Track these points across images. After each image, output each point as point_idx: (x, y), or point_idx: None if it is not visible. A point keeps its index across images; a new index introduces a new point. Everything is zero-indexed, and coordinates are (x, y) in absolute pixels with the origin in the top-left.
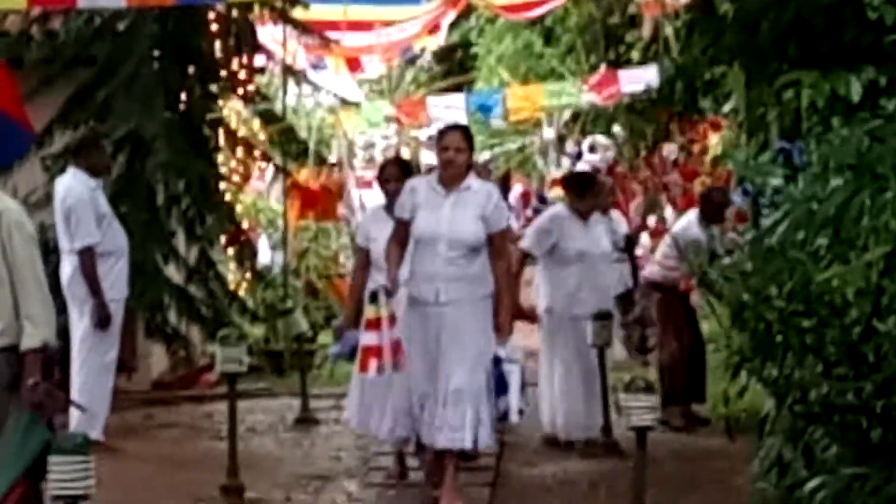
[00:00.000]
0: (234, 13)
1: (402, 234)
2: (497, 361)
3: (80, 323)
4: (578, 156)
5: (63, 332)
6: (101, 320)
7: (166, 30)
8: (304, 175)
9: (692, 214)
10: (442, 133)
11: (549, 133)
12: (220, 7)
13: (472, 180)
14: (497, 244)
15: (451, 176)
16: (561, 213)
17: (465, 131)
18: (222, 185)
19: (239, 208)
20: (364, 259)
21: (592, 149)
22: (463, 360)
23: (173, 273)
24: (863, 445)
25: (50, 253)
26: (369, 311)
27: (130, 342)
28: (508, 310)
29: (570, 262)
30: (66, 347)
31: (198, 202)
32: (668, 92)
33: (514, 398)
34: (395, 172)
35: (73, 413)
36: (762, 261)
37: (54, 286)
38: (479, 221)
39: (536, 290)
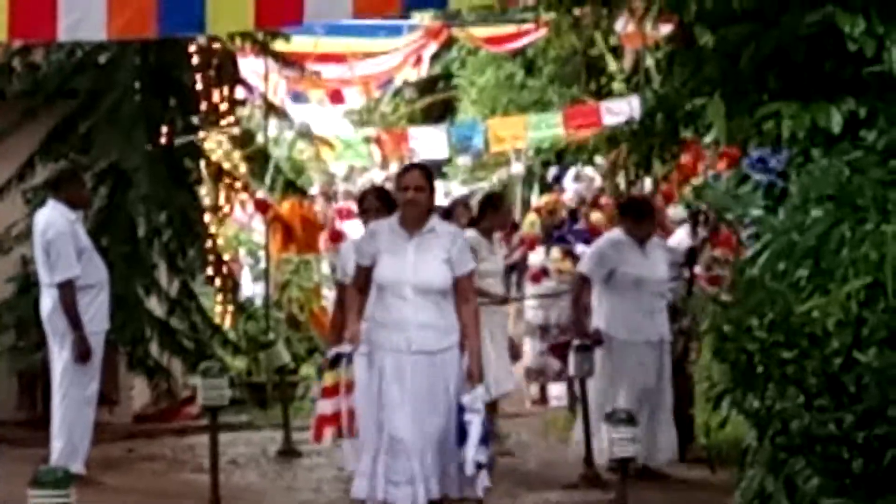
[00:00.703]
0: (216, 46)
1: (362, 280)
2: (460, 409)
3: (60, 356)
4: (557, 179)
5: (44, 366)
6: (82, 354)
7: (148, 62)
8: (286, 207)
9: (682, 230)
10: (401, 173)
11: (517, 167)
12: (202, 40)
13: (436, 222)
14: (463, 288)
15: (412, 217)
16: (619, 238)
17: (425, 170)
18: (204, 218)
19: (221, 240)
20: (342, 295)
21: (578, 178)
22: (435, 410)
23: (155, 306)
24: (844, 476)
25: (31, 286)
26: (329, 378)
27: (112, 375)
28: (476, 356)
29: (627, 289)
30: (47, 380)
31: (179, 234)
32: (649, 123)
33: (470, 450)
34: (376, 203)
35: (55, 446)
36: (743, 292)
37: (35, 318)
38: (446, 265)
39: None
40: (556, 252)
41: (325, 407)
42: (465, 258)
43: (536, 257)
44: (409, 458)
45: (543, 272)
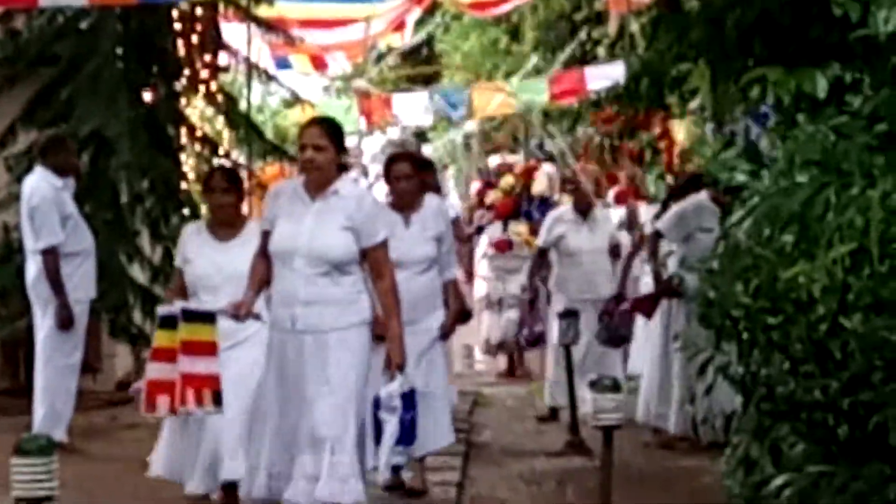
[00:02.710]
0: (199, 11)
1: (263, 247)
2: (376, 405)
3: (43, 323)
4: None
5: (27, 334)
6: (64, 321)
7: (130, 28)
8: (270, 174)
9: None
10: (301, 129)
11: (469, 126)
12: (184, 5)
13: (343, 184)
14: (374, 261)
15: (313, 180)
16: (703, 204)
17: (328, 125)
18: (186, 185)
19: (203, 207)
20: (179, 283)
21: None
22: (325, 400)
23: (138, 273)
24: (829, 443)
25: (13, 253)
26: (160, 338)
27: (95, 342)
28: (397, 339)
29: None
30: (31, 348)
31: (162, 201)
32: (634, 89)
33: (384, 453)
34: (223, 183)
35: (37, 414)
36: (728, 258)
37: (18, 286)
38: (347, 233)
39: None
40: (520, 226)
41: (156, 371)
42: (373, 226)
43: (495, 228)
44: (287, 453)
45: (508, 244)
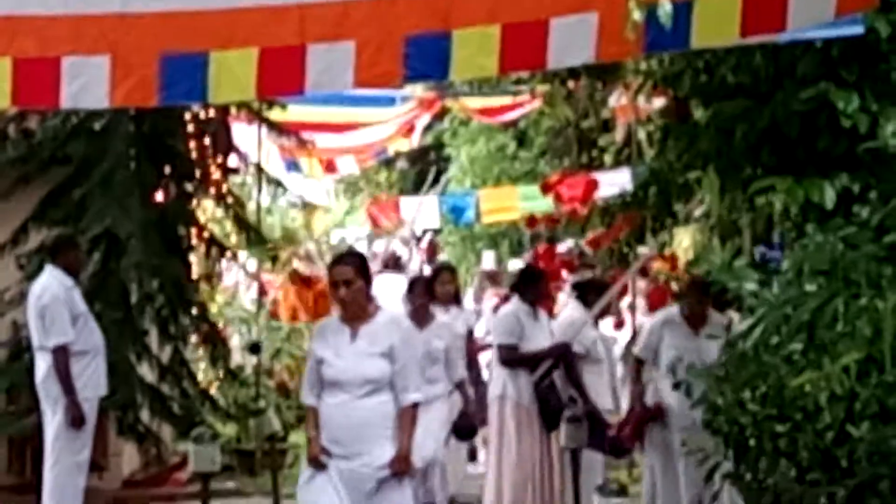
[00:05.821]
0: (211, 113)
1: None
2: None
3: (52, 421)
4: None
5: (34, 431)
6: (75, 419)
7: (142, 129)
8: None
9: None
10: None
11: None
12: (196, 107)
13: None
14: None
15: None
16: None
17: None
18: (196, 285)
19: (213, 307)
20: None
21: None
22: None
23: (146, 371)
24: None
25: (23, 351)
26: None
27: (102, 440)
28: None
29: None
30: (39, 446)
31: (171, 301)
32: (642, 196)
33: None
34: None
35: None
36: (736, 365)
37: (27, 383)
38: None
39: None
40: None
41: None
42: None
43: None
44: None
45: None
